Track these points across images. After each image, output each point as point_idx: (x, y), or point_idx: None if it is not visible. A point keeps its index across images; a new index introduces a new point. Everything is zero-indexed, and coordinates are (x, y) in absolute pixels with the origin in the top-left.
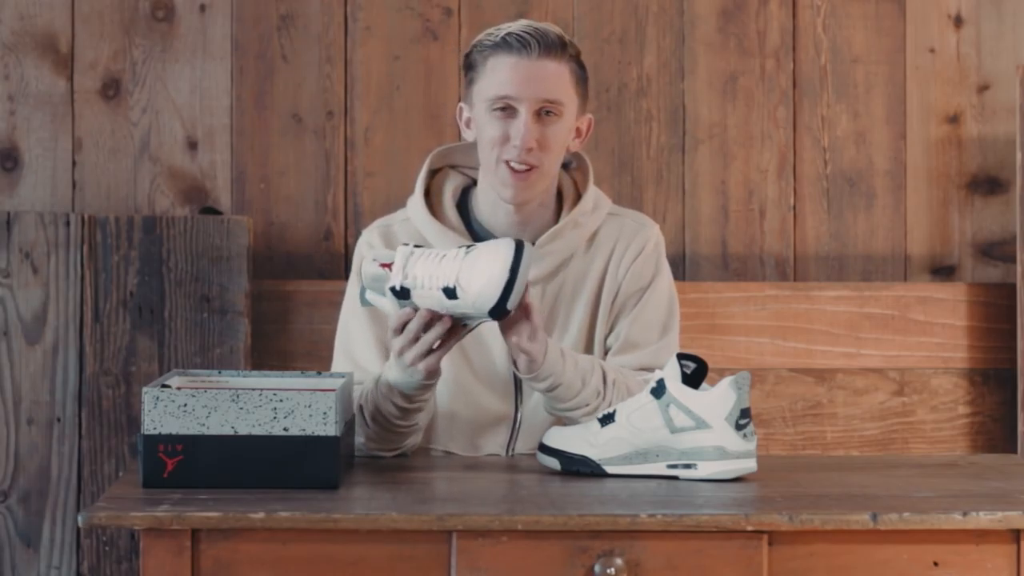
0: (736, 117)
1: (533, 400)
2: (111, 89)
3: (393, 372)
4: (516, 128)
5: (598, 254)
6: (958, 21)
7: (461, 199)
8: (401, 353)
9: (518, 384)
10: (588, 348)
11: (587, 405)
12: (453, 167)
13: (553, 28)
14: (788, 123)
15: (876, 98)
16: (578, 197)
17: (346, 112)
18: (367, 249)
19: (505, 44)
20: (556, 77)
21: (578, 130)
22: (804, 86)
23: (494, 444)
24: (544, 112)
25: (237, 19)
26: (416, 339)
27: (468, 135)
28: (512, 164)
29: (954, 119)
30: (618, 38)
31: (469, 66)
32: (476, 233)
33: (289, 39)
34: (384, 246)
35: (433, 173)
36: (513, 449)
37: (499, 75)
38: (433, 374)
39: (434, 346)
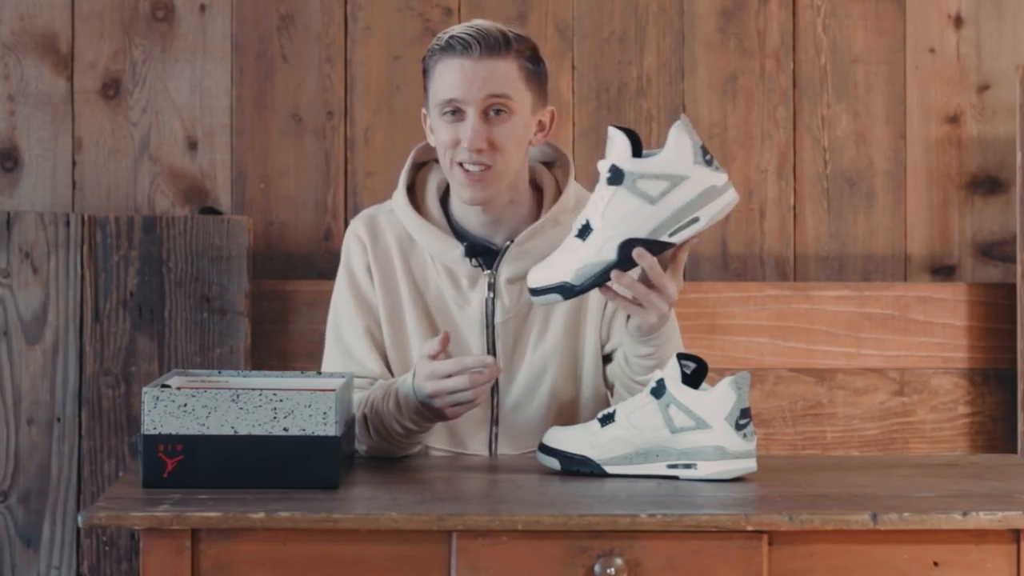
0: (736, 117)
1: (511, 398)
2: (111, 89)
3: (408, 385)
4: (464, 130)
5: None
6: (958, 21)
7: (445, 193)
8: (432, 396)
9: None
10: (572, 348)
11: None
12: (438, 161)
13: (498, 26)
14: (788, 123)
15: (876, 98)
16: (559, 194)
17: (346, 112)
18: (354, 240)
19: (449, 47)
20: (501, 75)
21: (541, 123)
22: (804, 86)
23: (476, 442)
24: (493, 111)
25: (237, 19)
26: (451, 392)
27: (432, 139)
28: (466, 166)
29: (954, 119)
30: (618, 38)
31: (424, 71)
32: (456, 229)
33: (289, 39)
34: (369, 236)
35: (419, 167)
36: (496, 449)
37: (445, 79)
38: (445, 418)
39: (460, 400)
